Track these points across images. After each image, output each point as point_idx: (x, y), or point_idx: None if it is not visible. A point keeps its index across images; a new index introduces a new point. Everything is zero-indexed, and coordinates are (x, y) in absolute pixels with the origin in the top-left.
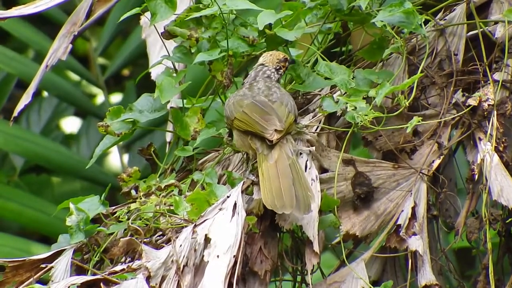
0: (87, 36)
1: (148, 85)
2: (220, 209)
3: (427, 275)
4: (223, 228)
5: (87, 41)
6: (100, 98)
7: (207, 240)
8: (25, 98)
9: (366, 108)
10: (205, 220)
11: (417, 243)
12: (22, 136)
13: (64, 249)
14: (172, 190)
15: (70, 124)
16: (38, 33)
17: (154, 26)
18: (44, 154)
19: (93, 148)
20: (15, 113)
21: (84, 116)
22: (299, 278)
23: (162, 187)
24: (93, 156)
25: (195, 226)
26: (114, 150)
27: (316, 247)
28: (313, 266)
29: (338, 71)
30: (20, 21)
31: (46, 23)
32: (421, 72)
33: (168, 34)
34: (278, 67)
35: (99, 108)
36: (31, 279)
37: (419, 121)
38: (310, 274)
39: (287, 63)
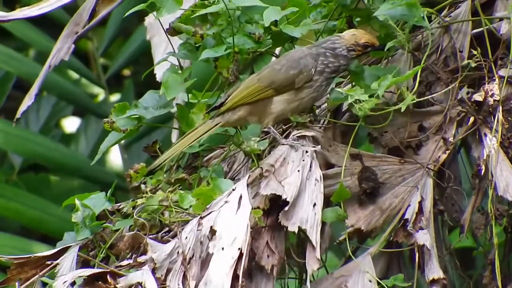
0: (89, 36)
1: (148, 84)
2: (226, 202)
3: (434, 269)
4: (228, 221)
5: (89, 40)
6: (100, 98)
7: (212, 232)
8: (28, 99)
9: (367, 99)
10: (210, 212)
11: (424, 237)
12: (21, 135)
13: (70, 246)
14: (180, 185)
15: (69, 122)
16: (39, 33)
17: (160, 22)
18: (43, 153)
19: (92, 147)
20: (18, 115)
21: (82, 115)
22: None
23: (172, 181)
24: (93, 154)
25: (201, 218)
26: (114, 148)
27: (318, 254)
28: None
29: None
30: (21, 21)
31: (48, 23)
32: (426, 68)
33: (173, 31)
34: (351, 48)
35: (98, 107)
36: (36, 276)
37: (413, 99)
38: (311, 277)
39: (368, 49)
